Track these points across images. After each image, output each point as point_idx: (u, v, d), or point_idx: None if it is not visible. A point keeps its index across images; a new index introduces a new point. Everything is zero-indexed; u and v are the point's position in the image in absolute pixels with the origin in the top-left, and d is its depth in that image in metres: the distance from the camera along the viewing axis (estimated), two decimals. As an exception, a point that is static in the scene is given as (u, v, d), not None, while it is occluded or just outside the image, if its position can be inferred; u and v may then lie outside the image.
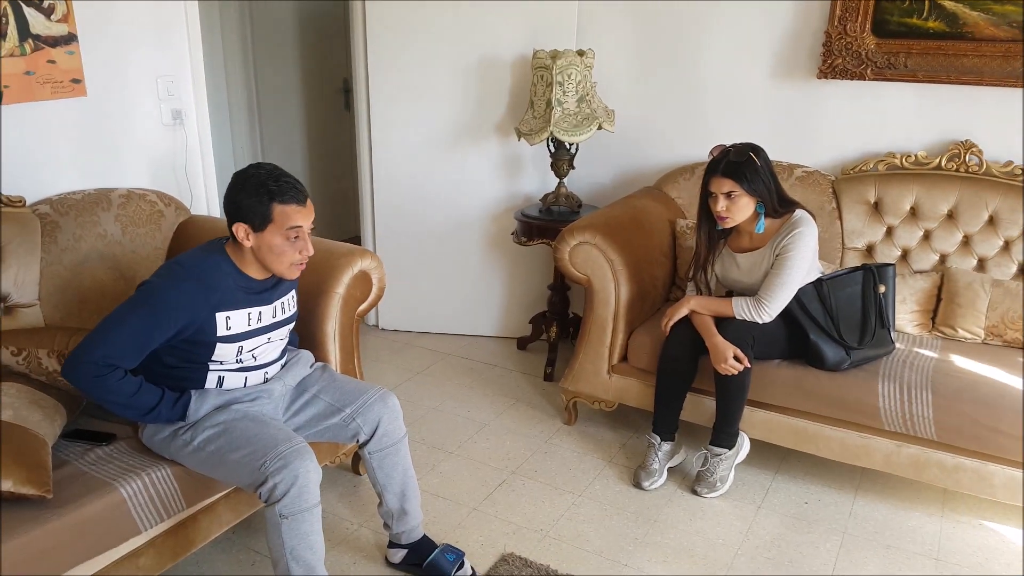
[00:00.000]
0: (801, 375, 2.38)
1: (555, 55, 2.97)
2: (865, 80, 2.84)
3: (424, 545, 2.07)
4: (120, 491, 1.68)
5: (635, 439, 2.77)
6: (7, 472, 1.54)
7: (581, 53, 3.02)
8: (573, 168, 3.26)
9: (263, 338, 1.87)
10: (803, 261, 2.31)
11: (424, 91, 3.36)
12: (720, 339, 2.33)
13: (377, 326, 3.76)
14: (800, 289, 2.36)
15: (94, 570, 1.66)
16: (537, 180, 3.45)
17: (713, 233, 2.46)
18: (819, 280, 2.38)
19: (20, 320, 2.08)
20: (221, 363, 1.82)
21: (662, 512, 2.37)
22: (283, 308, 1.93)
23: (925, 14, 2.70)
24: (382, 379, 3.21)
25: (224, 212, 1.76)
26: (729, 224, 2.36)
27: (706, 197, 2.37)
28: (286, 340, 1.99)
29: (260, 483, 1.68)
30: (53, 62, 2.21)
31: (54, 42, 2.20)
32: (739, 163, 2.28)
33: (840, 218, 2.86)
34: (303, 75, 4.67)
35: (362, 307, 2.32)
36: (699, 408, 2.53)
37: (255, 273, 1.83)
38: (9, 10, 2.08)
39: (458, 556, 2.06)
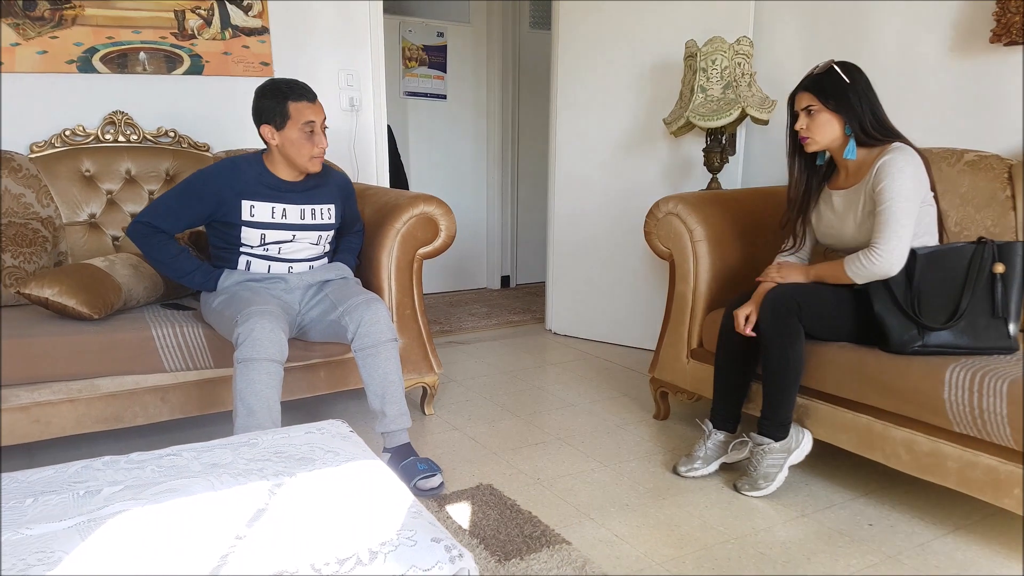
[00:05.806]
0: (862, 357, 1.96)
1: (708, 43, 2.92)
2: (1057, 40, 2.28)
3: (404, 451, 2.17)
4: (151, 330, 2.14)
5: (715, 439, 2.48)
6: (75, 294, 2.09)
7: (738, 41, 2.92)
8: (727, 162, 3.11)
9: (287, 234, 2.21)
10: (905, 190, 1.92)
11: (601, 96, 3.51)
12: (749, 300, 2.06)
13: (551, 330, 3.89)
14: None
15: (124, 388, 2.12)
16: (704, 183, 3.31)
17: (810, 168, 2.18)
18: (912, 252, 1.96)
19: (182, 231, 2.72)
20: (251, 248, 2.20)
21: (679, 495, 2.10)
22: (314, 214, 2.25)
23: None
24: (516, 364, 3.33)
25: (254, 123, 2.17)
26: (811, 146, 2.08)
27: (794, 122, 2.14)
28: (319, 246, 2.30)
29: (233, 333, 1.99)
30: (247, 47, 2.92)
31: (249, 32, 2.91)
32: (820, 75, 2.04)
33: (1015, 208, 2.28)
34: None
35: (426, 249, 2.54)
36: (769, 402, 2.20)
37: (282, 173, 2.21)
38: (215, 6, 2.83)
39: (431, 468, 2.11)
